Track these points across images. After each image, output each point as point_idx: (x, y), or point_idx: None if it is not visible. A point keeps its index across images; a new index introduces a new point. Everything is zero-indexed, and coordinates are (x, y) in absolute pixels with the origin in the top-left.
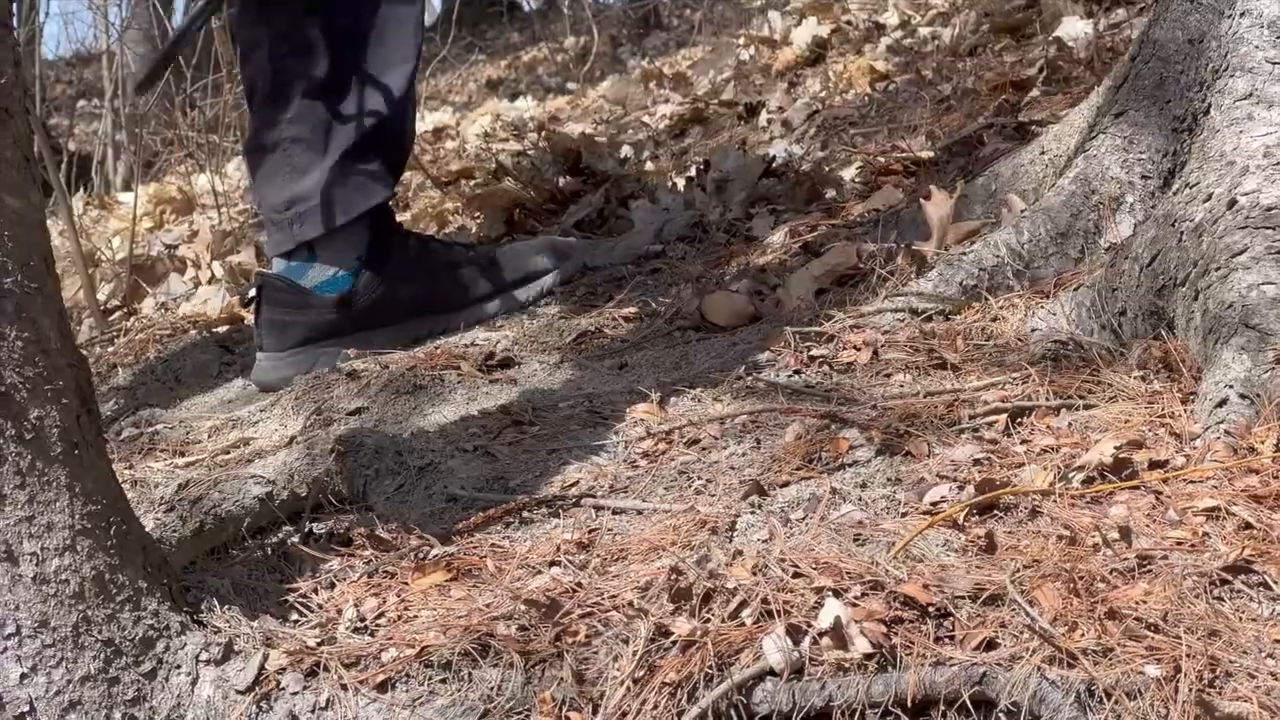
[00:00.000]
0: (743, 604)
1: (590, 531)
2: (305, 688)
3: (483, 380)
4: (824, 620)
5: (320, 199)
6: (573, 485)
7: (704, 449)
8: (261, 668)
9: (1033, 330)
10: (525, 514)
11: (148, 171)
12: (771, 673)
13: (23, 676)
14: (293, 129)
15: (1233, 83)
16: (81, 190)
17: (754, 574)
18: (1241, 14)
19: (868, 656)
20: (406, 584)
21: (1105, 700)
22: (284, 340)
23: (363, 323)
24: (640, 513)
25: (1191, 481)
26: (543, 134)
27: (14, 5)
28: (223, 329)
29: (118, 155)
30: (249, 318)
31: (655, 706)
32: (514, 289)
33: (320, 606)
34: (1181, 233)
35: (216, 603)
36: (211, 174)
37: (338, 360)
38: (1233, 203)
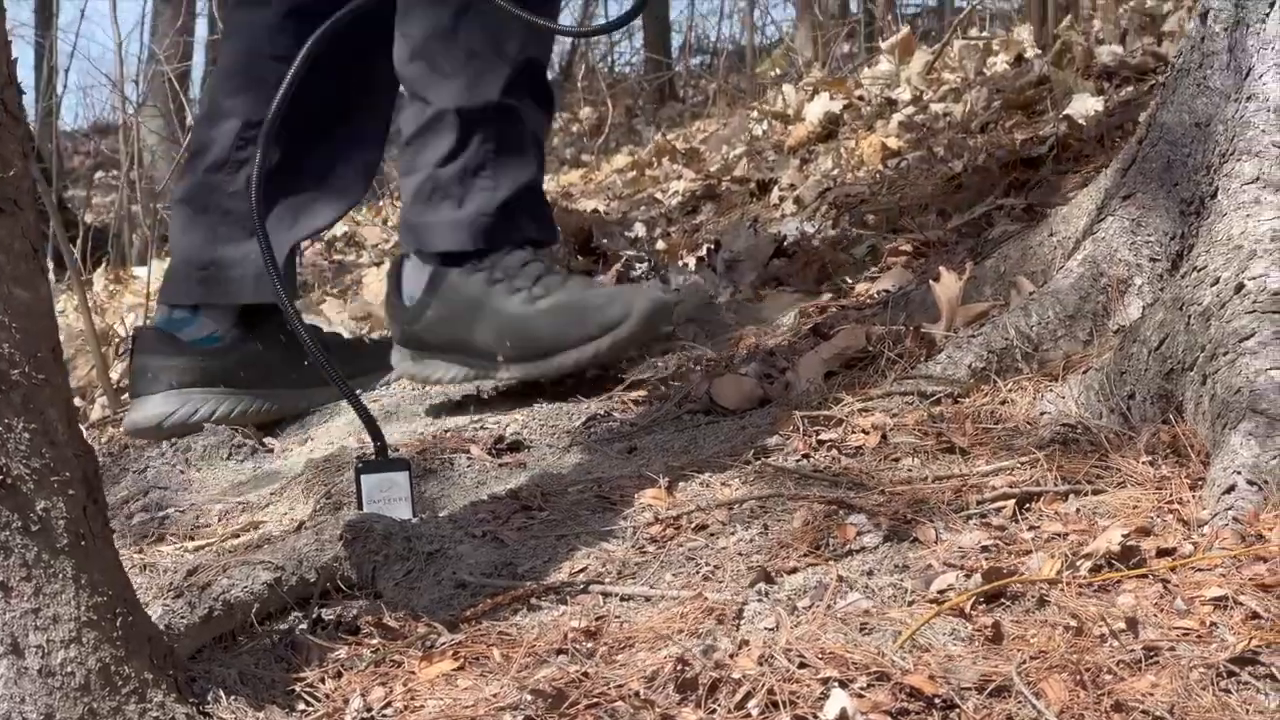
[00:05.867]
0: (748, 695)
1: (598, 619)
2: None
3: (492, 464)
4: (830, 712)
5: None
6: (581, 571)
7: (712, 534)
8: None
9: (1041, 413)
10: (533, 600)
11: (163, 245)
12: None
13: None
14: None
15: (1239, 166)
16: (101, 265)
17: (760, 664)
18: (1248, 98)
19: None
20: (414, 673)
21: None
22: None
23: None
24: (648, 599)
25: (1199, 569)
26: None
27: (23, 97)
28: None
29: (133, 228)
30: None
31: None
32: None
33: (327, 696)
34: (1189, 316)
35: (223, 693)
36: None
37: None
38: (1240, 287)
